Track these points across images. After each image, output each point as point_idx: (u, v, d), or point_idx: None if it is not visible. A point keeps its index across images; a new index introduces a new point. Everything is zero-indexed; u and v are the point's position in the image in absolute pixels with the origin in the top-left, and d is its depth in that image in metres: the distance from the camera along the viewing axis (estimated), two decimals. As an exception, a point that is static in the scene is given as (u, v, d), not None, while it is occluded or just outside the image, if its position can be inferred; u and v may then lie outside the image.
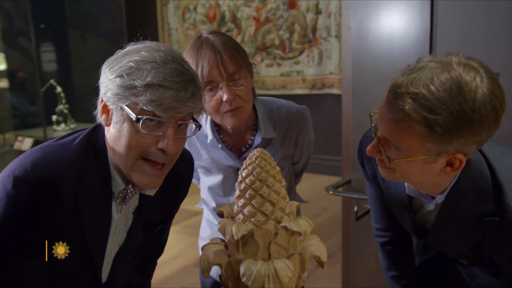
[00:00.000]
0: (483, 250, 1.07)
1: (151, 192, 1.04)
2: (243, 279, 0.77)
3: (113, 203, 0.99)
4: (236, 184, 0.85)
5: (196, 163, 1.33)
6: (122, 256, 1.07)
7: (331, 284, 2.69)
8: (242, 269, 0.77)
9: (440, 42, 1.67)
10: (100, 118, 0.96)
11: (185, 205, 1.34)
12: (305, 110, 1.42)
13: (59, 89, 4.67)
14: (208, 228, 1.54)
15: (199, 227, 1.61)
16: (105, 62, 0.93)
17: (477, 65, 0.88)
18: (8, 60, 5.05)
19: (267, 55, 5.23)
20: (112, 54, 0.94)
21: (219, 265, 0.82)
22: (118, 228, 1.03)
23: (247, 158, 0.84)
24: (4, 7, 5.07)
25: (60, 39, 5.69)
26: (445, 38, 1.66)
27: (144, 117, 0.87)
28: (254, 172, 0.82)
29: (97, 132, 0.99)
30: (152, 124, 0.89)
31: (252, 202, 0.81)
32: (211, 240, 0.89)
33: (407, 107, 0.87)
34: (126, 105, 0.88)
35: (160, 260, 1.30)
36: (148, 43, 0.94)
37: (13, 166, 0.89)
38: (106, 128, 0.97)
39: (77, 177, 0.92)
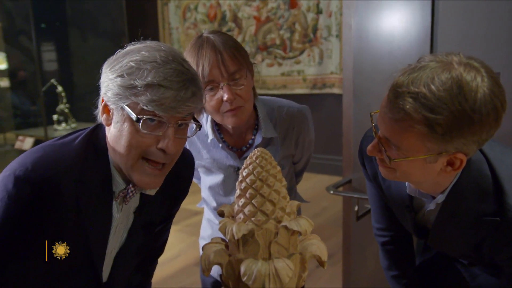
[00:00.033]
0: (484, 250, 1.07)
1: (152, 192, 1.04)
2: (244, 279, 0.77)
3: (114, 202, 0.99)
4: (237, 183, 0.85)
5: (196, 162, 1.33)
6: (123, 256, 1.07)
7: (331, 284, 2.68)
8: (242, 269, 0.77)
9: (441, 41, 1.67)
10: (101, 117, 0.96)
11: (186, 204, 1.34)
12: (305, 110, 1.42)
13: (60, 88, 4.68)
14: (208, 228, 1.54)
15: (199, 227, 1.61)
16: (106, 62, 0.93)
17: (478, 65, 0.87)
18: (9, 59, 5.06)
19: (268, 55, 5.23)
20: (112, 53, 0.94)
21: (220, 264, 0.82)
22: (118, 228, 1.03)
23: (248, 157, 0.84)
24: (5, 6, 5.08)
25: (61, 38, 5.70)
26: (446, 38, 1.66)
27: (145, 117, 0.87)
28: (254, 172, 0.81)
29: (98, 131, 0.99)
30: (153, 124, 0.89)
31: (252, 201, 0.81)
32: (212, 239, 0.89)
33: (407, 107, 0.86)
34: (126, 105, 0.88)
35: (160, 260, 1.30)
36: (148, 43, 0.94)
37: (14, 165, 0.89)
38: (106, 128, 0.97)
39: (78, 177, 0.92)
